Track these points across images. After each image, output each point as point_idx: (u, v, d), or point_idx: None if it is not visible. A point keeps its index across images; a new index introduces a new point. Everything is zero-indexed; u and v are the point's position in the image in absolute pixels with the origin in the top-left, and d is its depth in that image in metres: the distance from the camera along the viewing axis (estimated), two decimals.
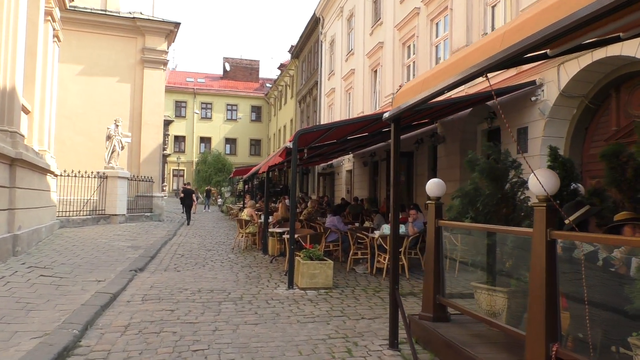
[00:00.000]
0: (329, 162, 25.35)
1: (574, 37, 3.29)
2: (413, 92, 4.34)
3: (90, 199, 17.54)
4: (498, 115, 10.86)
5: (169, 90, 44.20)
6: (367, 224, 12.33)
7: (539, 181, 3.08)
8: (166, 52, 23.08)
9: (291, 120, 38.90)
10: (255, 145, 53.66)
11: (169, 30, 22.71)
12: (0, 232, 8.72)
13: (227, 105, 53.00)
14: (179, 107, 51.39)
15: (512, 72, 10.15)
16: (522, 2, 10.16)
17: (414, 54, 16.44)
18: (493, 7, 11.96)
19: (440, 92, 3.75)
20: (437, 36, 14.82)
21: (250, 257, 11.72)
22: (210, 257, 11.43)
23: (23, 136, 10.48)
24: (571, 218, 3.46)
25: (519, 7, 10.25)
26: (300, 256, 8.21)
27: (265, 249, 12.10)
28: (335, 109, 25.91)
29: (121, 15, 21.70)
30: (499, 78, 10.25)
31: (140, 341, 5.17)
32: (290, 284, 8.01)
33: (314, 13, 29.64)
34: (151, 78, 22.40)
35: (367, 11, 21.27)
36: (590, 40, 3.72)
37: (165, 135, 40.21)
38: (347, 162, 23.49)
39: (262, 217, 13.35)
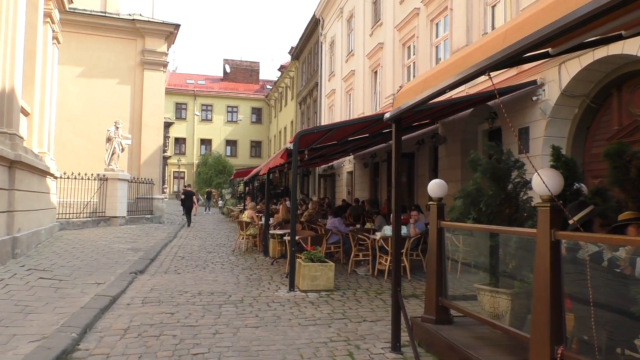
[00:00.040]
0: (330, 164, 25.31)
1: (575, 35, 3.25)
2: (414, 92, 4.30)
3: (90, 201, 17.50)
4: (500, 115, 10.81)
5: (170, 92, 44.21)
6: (368, 225, 12.28)
7: (543, 181, 3.03)
8: (166, 54, 23.05)
9: (292, 122, 38.88)
10: (256, 147, 53.63)
11: (169, 32, 22.69)
12: None
13: (228, 107, 52.99)
14: (180, 109, 51.37)
15: (512, 71, 10.11)
16: (522, 2, 10.12)
17: (414, 54, 16.41)
18: (493, 7, 11.92)
19: (442, 92, 3.71)
20: (437, 36, 14.78)
21: (251, 259, 11.67)
22: (210, 260, 11.38)
23: (22, 138, 10.45)
24: (575, 218, 3.41)
25: (519, 7, 10.21)
26: (301, 258, 8.16)
27: (266, 251, 12.05)
28: (335, 110, 25.88)
29: (121, 17, 21.66)
30: (499, 78, 10.21)
31: (140, 345, 5.12)
32: (292, 287, 7.96)
33: (314, 14, 29.62)
34: (151, 80, 22.37)
35: (366, 12, 21.24)
36: (592, 39, 3.68)
37: (166, 137, 40.22)
38: (347, 163, 23.45)
39: (263, 219, 13.31)
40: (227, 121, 52.75)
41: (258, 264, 10.81)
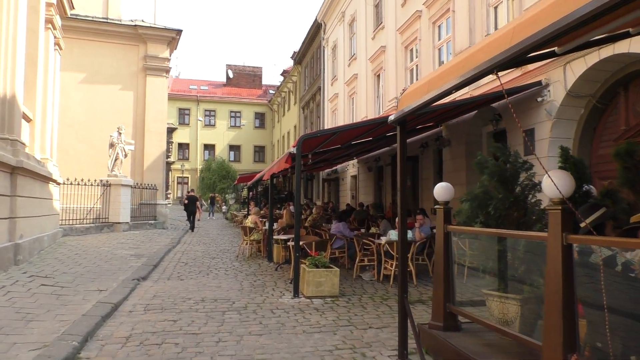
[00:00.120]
0: (334, 168, 25.22)
1: (582, 33, 3.15)
2: (418, 93, 4.21)
3: (93, 207, 17.48)
4: (505, 116, 10.72)
5: (173, 97, 44.30)
6: (373, 229, 12.18)
7: (554, 183, 2.93)
8: (168, 60, 23.07)
9: (295, 127, 38.85)
10: (259, 152, 53.63)
11: (171, 37, 22.71)
12: (1, 240, 8.63)
13: (231, 112, 53.04)
14: (183, 114, 51.44)
15: (517, 72, 10.02)
16: (525, 2, 10.03)
17: (416, 57, 16.34)
18: (495, 7, 11.85)
19: (448, 92, 3.62)
20: (439, 39, 14.71)
21: (255, 264, 11.58)
22: (214, 265, 11.30)
23: (24, 144, 10.40)
24: (587, 221, 3.31)
25: (522, 7, 10.12)
26: (305, 264, 8.06)
27: (270, 256, 11.96)
28: (338, 114, 25.82)
29: (123, 23, 21.71)
30: (504, 79, 10.11)
31: (142, 353, 5.03)
32: (296, 293, 7.85)
33: (316, 19, 29.63)
34: (154, 85, 22.38)
35: (368, 15, 21.20)
36: (599, 37, 3.58)
37: (169, 142, 40.28)
38: (351, 167, 23.37)
39: (267, 224, 13.23)
40: (230, 126, 52.78)
41: (262, 270, 10.72)
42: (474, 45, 3.90)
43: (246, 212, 23.92)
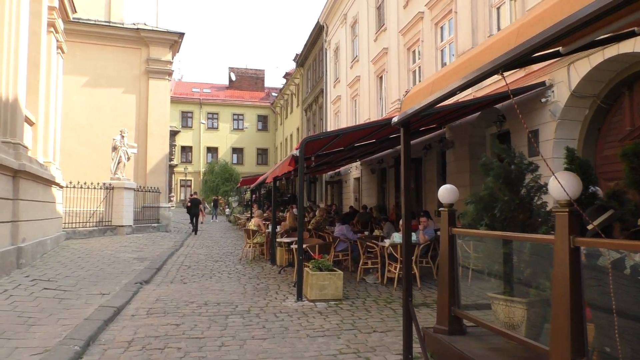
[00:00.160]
0: (337, 170, 25.18)
1: (588, 33, 3.10)
2: (422, 95, 4.16)
3: (96, 210, 17.49)
4: (508, 118, 10.66)
5: (175, 100, 44.37)
6: (376, 232, 12.12)
7: (561, 185, 2.88)
8: (171, 63, 23.11)
9: (297, 129, 38.86)
10: (262, 155, 53.69)
11: (173, 40, 22.75)
12: (3, 244, 8.62)
13: (234, 115, 53.12)
14: (186, 117, 51.55)
15: (520, 73, 9.97)
16: (528, 2, 9.98)
17: (419, 58, 16.30)
18: (498, 8, 11.80)
19: (453, 93, 3.58)
20: (442, 40, 14.67)
21: (258, 267, 11.54)
22: (217, 269, 11.26)
23: (27, 148, 10.40)
24: (595, 223, 3.25)
25: (525, 8, 10.07)
26: (309, 267, 8.01)
27: (273, 259, 11.92)
28: (341, 116, 25.79)
29: (125, 26, 21.76)
30: (507, 80, 10.04)
31: (144, 358, 4.99)
32: (299, 296, 7.80)
33: (318, 21, 29.64)
34: (156, 88, 22.41)
35: (370, 17, 21.17)
36: (604, 36, 3.53)
37: (172, 145, 40.27)
38: (354, 169, 23.33)
39: (270, 226, 13.19)
40: (233, 129, 52.85)
41: (265, 273, 10.68)
42: (477, 46, 3.86)
43: (249, 215, 23.91)
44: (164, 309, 7.15)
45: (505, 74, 3.12)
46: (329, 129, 26.91)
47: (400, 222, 9.24)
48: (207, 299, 7.87)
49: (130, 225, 18.61)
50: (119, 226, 17.97)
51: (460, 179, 12.24)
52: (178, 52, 23.82)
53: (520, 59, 2.74)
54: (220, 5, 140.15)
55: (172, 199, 39.55)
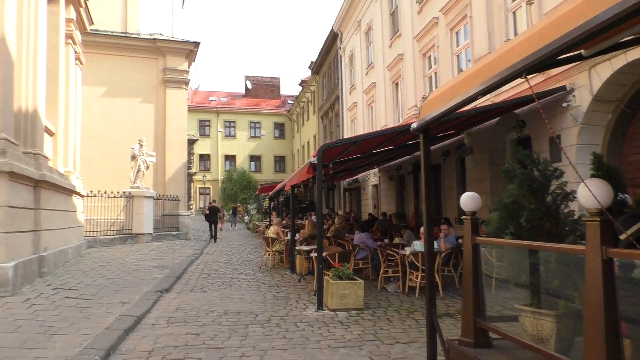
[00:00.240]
0: (354, 177, 25.10)
1: (613, 34, 3.00)
2: (441, 100, 4.09)
3: (117, 218, 17.66)
4: (529, 123, 10.49)
5: (193, 109, 44.76)
6: (396, 240, 11.99)
7: (591, 192, 2.78)
8: (187, 72, 23.33)
9: (314, 136, 38.90)
10: (280, 162, 53.83)
11: (189, 50, 22.97)
12: (26, 253, 8.70)
13: (250, 122, 53.41)
14: (203, 126, 51.97)
15: (540, 77, 9.80)
16: (545, 6, 9.83)
17: (435, 64, 16.21)
18: (514, 12, 11.66)
19: (474, 98, 3.50)
20: (457, 45, 14.57)
21: (278, 276, 11.50)
22: (237, 277, 11.25)
23: (47, 158, 10.53)
24: (628, 232, 3.13)
25: (542, 11, 9.92)
26: (329, 275, 7.94)
27: (293, 267, 11.88)
28: (358, 123, 25.74)
29: (141, 36, 22.05)
30: (527, 84, 9.87)
31: None
32: (320, 305, 7.72)
33: (332, 28, 29.71)
34: (173, 97, 22.64)
35: (384, 24, 21.13)
36: (628, 38, 3.41)
37: (190, 154, 40.62)
38: (372, 176, 23.23)
39: (289, 234, 13.16)
40: (250, 137, 53.12)
41: (285, 281, 10.63)
42: (497, 49, 3.79)
43: (268, 222, 23.94)
44: (184, 318, 7.14)
45: (528, 77, 3.04)
46: (345, 136, 26.88)
47: (421, 229, 9.16)
48: (227, 307, 7.84)
49: (151, 234, 18.75)
50: (140, 234, 18.11)
51: (481, 186, 12.07)
52: (194, 61, 24.05)
53: (545, 61, 2.66)
54: (235, 14, 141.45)
55: (191, 207, 39.79)
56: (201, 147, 50.73)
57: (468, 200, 4.57)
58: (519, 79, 3.08)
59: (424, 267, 8.03)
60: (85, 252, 13.87)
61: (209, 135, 51.70)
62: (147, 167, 19.31)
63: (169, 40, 22.58)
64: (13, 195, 8.02)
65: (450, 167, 15.24)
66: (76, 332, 6.03)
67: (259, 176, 47.83)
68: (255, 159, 53.13)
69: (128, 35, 21.88)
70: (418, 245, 8.81)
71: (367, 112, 24.16)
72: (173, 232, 20.82)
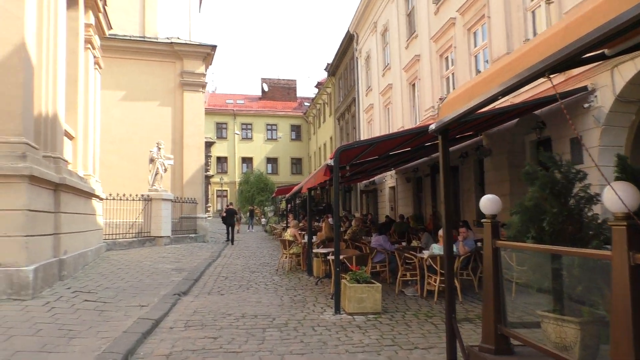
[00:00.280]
0: (371, 179, 24.99)
1: (638, 33, 2.90)
2: (459, 101, 4.02)
3: (135, 221, 17.82)
4: (548, 124, 10.31)
5: (210, 112, 45.08)
6: (414, 243, 11.88)
7: (618, 195, 2.69)
8: (204, 75, 23.48)
9: (331, 138, 38.87)
10: (297, 164, 53.93)
11: (206, 53, 23.13)
12: (46, 257, 8.79)
13: (267, 125, 53.64)
14: (220, 128, 52.33)
15: (560, 78, 9.62)
16: (565, 4, 9.65)
17: (452, 65, 16.06)
18: (533, 12, 11.48)
19: (495, 98, 3.44)
20: (475, 45, 14.41)
21: (295, 278, 11.47)
22: (254, 279, 11.25)
23: (67, 162, 10.65)
24: None
25: (562, 10, 9.74)
26: (346, 279, 7.88)
27: (310, 270, 11.84)
28: (374, 125, 25.63)
29: (159, 40, 22.27)
30: (546, 85, 9.71)
31: None
32: (337, 309, 7.65)
33: (348, 30, 29.67)
34: (191, 101, 22.81)
35: (401, 25, 21.01)
36: None
37: (208, 156, 40.92)
38: (389, 178, 23.10)
39: (306, 237, 13.12)
40: (267, 139, 53.34)
41: (302, 284, 10.59)
42: (517, 49, 3.70)
43: (285, 225, 23.94)
44: (201, 321, 7.14)
45: (544, 79, 2.97)
46: (362, 138, 26.81)
47: (440, 232, 9.06)
48: (244, 311, 7.83)
49: (169, 236, 18.89)
50: (158, 237, 18.26)
51: (500, 189, 11.89)
52: (211, 64, 24.21)
53: (568, 60, 2.59)
54: (251, 17, 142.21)
55: (208, 209, 40.07)
56: (218, 150, 51.09)
57: (488, 203, 4.48)
58: (539, 79, 3.00)
59: (442, 271, 7.93)
60: (104, 255, 14.00)
61: (226, 138, 52.02)
62: (165, 170, 19.46)
63: (186, 44, 22.76)
64: (33, 199, 8.12)
65: (468, 169, 15.07)
66: (95, 336, 6.06)
67: (275, 178, 47.98)
68: (272, 161, 53.31)
69: (146, 39, 22.13)
70: (436, 249, 8.70)
71: (384, 114, 24.05)
72: (191, 235, 20.94)
